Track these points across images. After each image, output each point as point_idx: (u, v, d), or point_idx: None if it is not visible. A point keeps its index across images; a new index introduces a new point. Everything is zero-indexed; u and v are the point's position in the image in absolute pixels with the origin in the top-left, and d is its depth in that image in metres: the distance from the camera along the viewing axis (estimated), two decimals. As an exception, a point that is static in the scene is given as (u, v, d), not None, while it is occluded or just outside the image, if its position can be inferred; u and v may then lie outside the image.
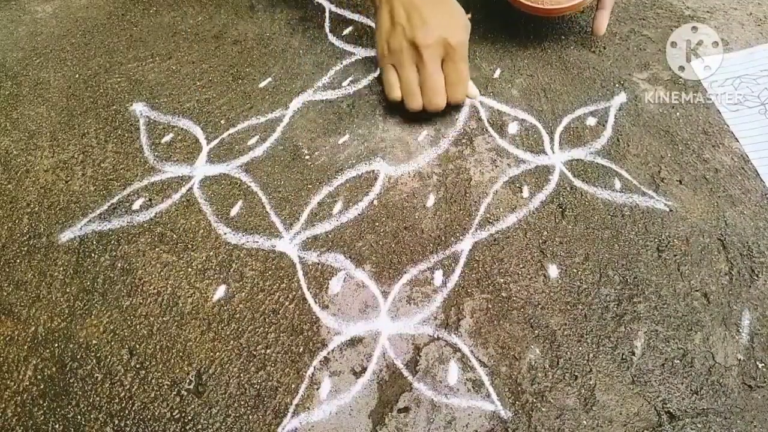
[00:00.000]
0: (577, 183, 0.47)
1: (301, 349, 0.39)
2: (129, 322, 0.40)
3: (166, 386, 0.37)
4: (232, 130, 0.51)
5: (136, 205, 0.46)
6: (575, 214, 0.45)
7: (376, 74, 0.55)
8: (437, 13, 0.46)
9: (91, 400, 0.37)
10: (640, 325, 0.39)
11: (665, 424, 0.35)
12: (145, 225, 0.45)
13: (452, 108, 0.51)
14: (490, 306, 0.41)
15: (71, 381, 0.38)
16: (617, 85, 0.54)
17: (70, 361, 0.38)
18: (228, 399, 0.37)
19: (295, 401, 0.37)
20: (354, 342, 0.39)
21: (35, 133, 0.51)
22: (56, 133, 0.51)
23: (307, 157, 0.49)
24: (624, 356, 0.38)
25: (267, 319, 0.40)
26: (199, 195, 0.47)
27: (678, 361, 0.38)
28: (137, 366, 0.38)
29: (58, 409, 0.36)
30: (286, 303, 0.41)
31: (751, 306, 0.40)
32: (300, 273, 0.42)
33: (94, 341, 0.39)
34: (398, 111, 0.52)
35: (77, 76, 0.56)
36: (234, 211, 0.46)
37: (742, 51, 0.55)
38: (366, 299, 0.41)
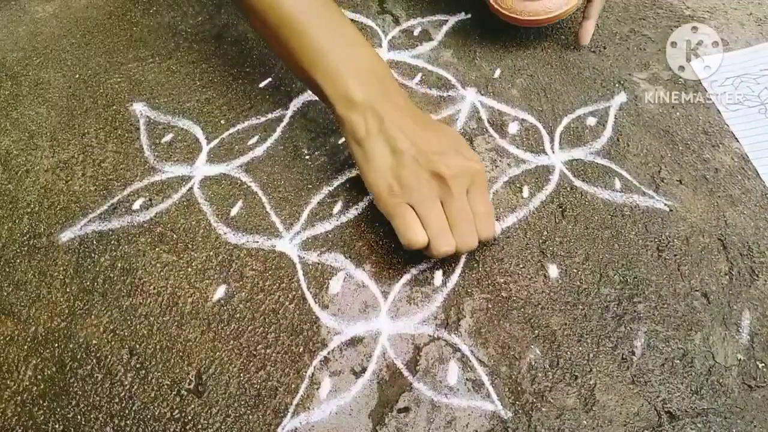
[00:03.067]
0: (577, 183, 0.47)
1: (301, 349, 0.39)
2: (129, 322, 0.40)
3: (166, 386, 0.37)
4: (232, 130, 0.51)
5: (136, 205, 0.46)
6: (575, 214, 0.45)
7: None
8: (444, 137, 0.39)
9: (91, 400, 0.37)
10: (640, 325, 0.39)
11: (665, 424, 0.35)
12: (145, 225, 0.45)
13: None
14: (490, 306, 0.41)
15: (71, 381, 0.38)
16: (617, 85, 0.54)
17: (70, 361, 0.38)
18: (228, 399, 0.37)
19: (295, 401, 0.37)
20: (354, 342, 0.39)
21: (35, 133, 0.51)
22: (56, 133, 0.51)
23: (307, 157, 0.49)
24: (624, 356, 0.38)
25: (267, 319, 0.40)
26: (199, 195, 0.47)
27: (678, 361, 0.38)
28: (137, 366, 0.38)
29: (58, 409, 0.37)
30: (286, 303, 0.41)
31: (751, 306, 0.40)
32: (300, 273, 0.42)
33: (94, 341, 0.39)
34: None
35: (77, 76, 0.56)
36: (234, 211, 0.46)
37: (742, 51, 0.55)
38: (366, 299, 0.41)
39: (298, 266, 0.43)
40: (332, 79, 0.39)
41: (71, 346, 0.39)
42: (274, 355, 0.39)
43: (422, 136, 0.38)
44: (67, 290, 0.42)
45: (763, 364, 0.38)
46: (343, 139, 0.50)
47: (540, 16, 0.52)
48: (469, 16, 0.60)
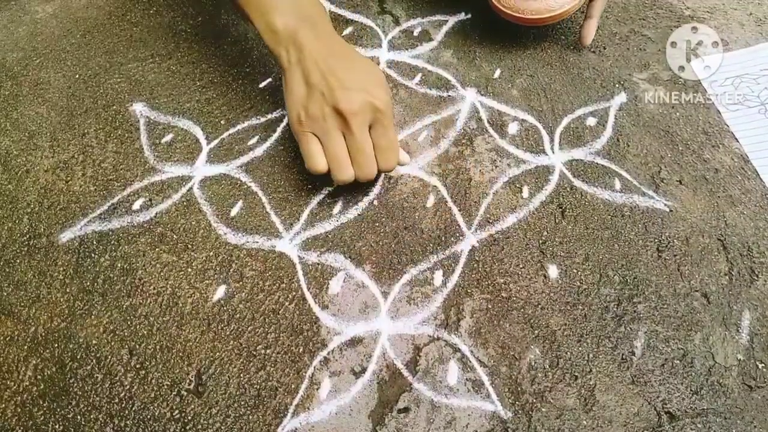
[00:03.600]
0: (577, 183, 0.47)
1: (301, 349, 0.39)
2: (129, 322, 0.40)
3: (166, 386, 0.37)
4: (232, 130, 0.51)
5: (136, 205, 0.46)
6: (575, 214, 0.45)
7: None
8: (356, 73, 0.41)
9: (91, 400, 0.37)
10: (640, 325, 0.39)
11: (665, 424, 0.35)
12: (145, 225, 0.45)
13: (383, 174, 0.47)
14: (490, 306, 0.41)
15: (71, 381, 0.38)
16: (617, 85, 0.54)
17: (70, 361, 0.38)
18: (228, 399, 0.37)
19: (295, 401, 0.37)
20: (354, 342, 0.39)
21: (35, 133, 0.51)
22: (56, 133, 0.51)
23: (307, 157, 0.49)
24: (624, 356, 0.38)
25: (267, 319, 0.40)
26: (199, 195, 0.47)
27: (678, 361, 0.38)
28: (137, 366, 0.38)
29: (58, 409, 0.37)
30: (286, 303, 0.41)
31: (751, 306, 0.40)
32: (300, 273, 0.42)
33: (94, 341, 0.39)
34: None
35: (77, 76, 0.56)
36: (234, 212, 0.46)
37: (742, 51, 0.55)
38: (366, 299, 0.41)
39: (298, 266, 0.43)
40: (261, 12, 0.43)
41: (71, 346, 0.39)
42: (274, 355, 0.39)
43: (335, 72, 0.40)
44: (67, 290, 0.42)
45: (762, 365, 0.38)
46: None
47: (542, 14, 0.52)
48: (469, 16, 0.60)
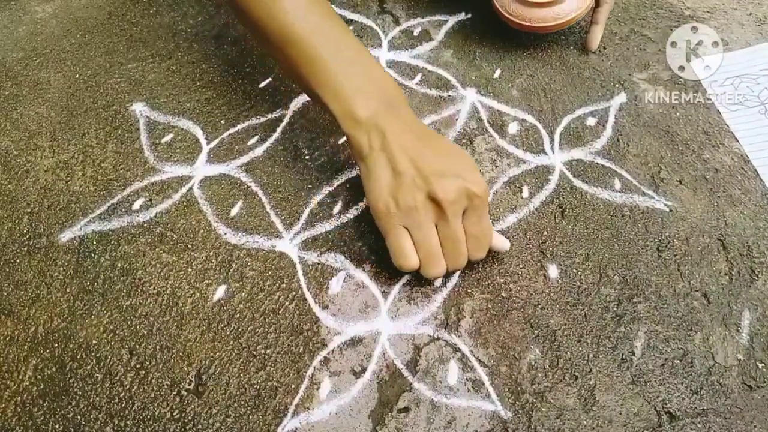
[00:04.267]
0: (577, 183, 0.47)
1: (301, 349, 0.39)
2: (129, 322, 0.40)
3: (166, 386, 0.37)
4: (232, 130, 0.51)
5: (136, 205, 0.46)
6: (575, 214, 0.45)
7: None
8: (447, 158, 0.38)
9: (91, 400, 0.37)
10: (640, 325, 0.39)
11: (665, 424, 0.35)
12: (145, 225, 0.45)
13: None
14: (490, 306, 0.41)
15: (71, 381, 0.38)
16: (617, 85, 0.54)
17: (70, 361, 0.38)
18: (228, 399, 0.37)
19: (295, 401, 0.37)
20: (354, 342, 0.39)
21: (35, 133, 0.51)
22: (56, 133, 0.51)
23: (307, 157, 0.49)
24: (624, 356, 0.38)
25: (267, 319, 0.40)
26: (199, 195, 0.47)
27: (678, 361, 0.38)
28: (137, 366, 0.38)
29: (58, 409, 0.37)
30: (286, 303, 0.41)
31: (751, 306, 0.40)
32: (300, 273, 0.42)
33: (94, 341, 0.39)
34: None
35: (77, 76, 0.56)
36: (234, 211, 0.46)
37: (742, 51, 0.55)
38: (366, 299, 0.41)
39: (298, 266, 0.43)
40: (337, 96, 0.39)
41: (71, 346, 0.39)
42: (274, 355, 0.39)
43: (424, 157, 0.37)
44: (67, 290, 0.42)
45: (762, 365, 0.38)
46: (344, 139, 0.50)
47: (549, 22, 0.52)
48: (469, 16, 0.60)
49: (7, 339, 0.39)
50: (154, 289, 0.42)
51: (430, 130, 0.41)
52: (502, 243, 0.41)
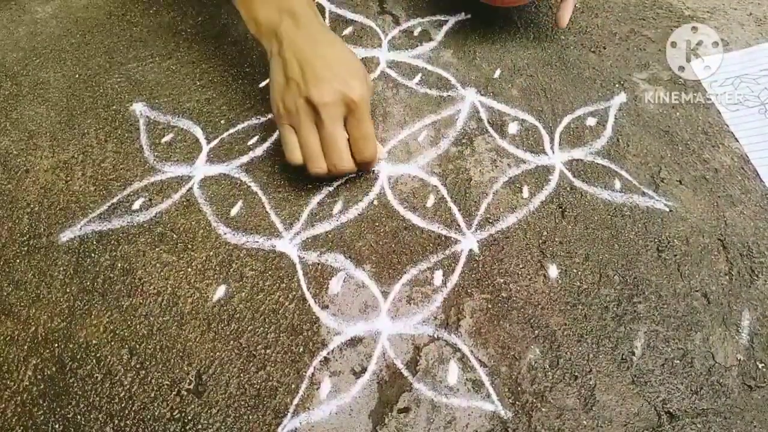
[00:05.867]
0: (577, 183, 0.47)
1: (301, 349, 0.39)
2: (129, 322, 0.40)
3: (166, 386, 0.37)
4: (232, 130, 0.51)
5: (136, 205, 0.46)
6: (575, 214, 0.45)
7: (375, 74, 0.55)
8: (334, 66, 0.42)
9: (91, 400, 0.37)
10: (640, 325, 0.39)
11: (665, 424, 0.35)
12: (145, 225, 0.45)
13: (361, 172, 0.47)
14: (490, 306, 0.41)
15: (71, 381, 0.38)
16: (617, 85, 0.54)
17: (70, 361, 0.38)
18: (228, 399, 0.37)
19: (295, 401, 0.37)
20: (354, 342, 0.39)
21: (35, 133, 0.51)
22: (56, 133, 0.51)
23: (307, 157, 0.49)
24: (624, 356, 0.38)
25: (267, 319, 0.40)
26: (199, 195, 0.47)
27: (678, 361, 0.38)
28: (137, 366, 0.38)
29: (58, 409, 0.36)
30: (286, 303, 0.41)
31: (751, 306, 0.40)
32: (300, 273, 0.42)
33: (94, 341, 0.39)
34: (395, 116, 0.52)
35: (77, 76, 0.56)
36: (234, 211, 0.46)
37: (742, 51, 0.55)
38: (366, 299, 0.41)
39: (298, 266, 0.43)
40: (245, 4, 0.44)
41: (71, 346, 0.39)
42: (274, 355, 0.39)
43: (311, 64, 0.41)
44: (67, 290, 0.42)
45: (763, 365, 0.38)
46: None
47: None
48: (469, 16, 0.60)
49: (7, 339, 0.39)
50: (154, 289, 0.42)
51: (330, 40, 0.44)
52: (380, 151, 0.47)
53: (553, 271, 0.42)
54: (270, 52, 0.44)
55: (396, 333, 0.39)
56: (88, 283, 0.42)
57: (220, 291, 0.41)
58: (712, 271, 0.42)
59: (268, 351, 0.39)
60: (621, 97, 0.53)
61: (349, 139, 0.43)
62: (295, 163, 0.43)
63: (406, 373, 0.38)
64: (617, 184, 0.47)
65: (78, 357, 0.39)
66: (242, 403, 0.37)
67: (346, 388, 0.37)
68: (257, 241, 0.44)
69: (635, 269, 0.42)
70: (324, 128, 0.41)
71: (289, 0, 0.44)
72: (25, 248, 0.44)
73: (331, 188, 0.47)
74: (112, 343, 0.39)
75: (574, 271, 0.42)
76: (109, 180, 0.48)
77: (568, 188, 0.47)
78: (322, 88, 0.40)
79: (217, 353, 0.39)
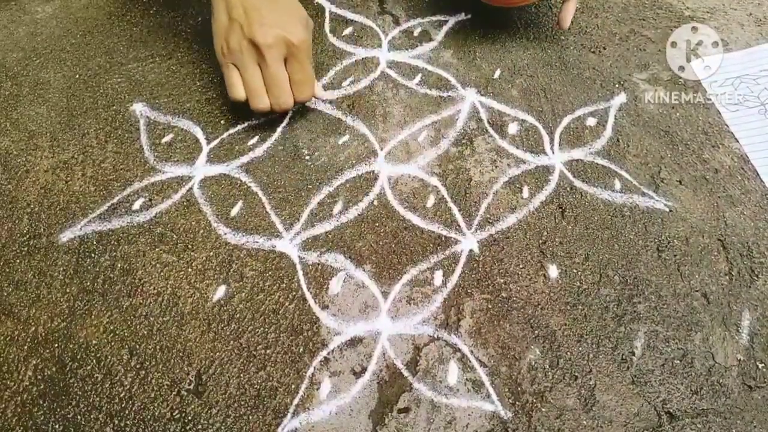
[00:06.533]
0: (577, 183, 0.47)
1: (301, 349, 0.39)
2: (129, 322, 0.40)
3: (166, 386, 0.37)
4: (232, 130, 0.51)
5: (136, 205, 0.46)
6: (575, 214, 0.45)
7: (375, 74, 0.55)
8: (276, 10, 0.45)
9: (91, 400, 0.37)
10: (640, 325, 0.39)
11: (665, 424, 0.35)
12: (145, 225, 0.45)
13: (302, 106, 0.51)
14: (490, 306, 0.41)
15: (71, 381, 0.38)
16: (617, 86, 0.54)
17: (70, 361, 0.38)
18: (228, 399, 0.37)
19: (295, 401, 0.37)
20: (354, 342, 0.39)
21: (35, 133, 0.51)
22: (56, 133, 0.51)
23: (307, 157, 0.49)
24: (624, 356, 0.38)
25: (267, 319, 0.40)
26: (199, 195, 0.47)
27: (678, 361, 0.38)
28: (137, 366, 0.38)
29: (58, 409, 0.36)
30: (286, 303, 0.41)
31: (751, 306, 0.40)
32: (300, 273, 0.42)
33: (94, 341, 0.39)
34: (396, 109, 0.52)
35: (77, 76, 0.56)
36: (234, 212, 0.46)
37: (741, 51, 0.55)
38: (366, 299, 0.41)
39: (298, 266, 0.43)
40: None
41: (71, 346, 0.39)
42: (274, 355, 0.39)
43: (256, 8, 0.44)
44: (67, 290, 0.42)
45: (762, 365, 0.38)
46: (344, 139, 0.50)
47: None
48: (469, 16, 0.60)
49: (7, 339, 0.39)
50: (154, 289, 0.42)
51: None
52: (319, 90, 0.50)
53: (553, 271, 0.42)
54: None
55: (396, 333, 0.39)
56: (88, 283, 0.42)
57: (220, 291, 0.41)
58: (712, 271, 0.42)
59: (268, 351, 0.39)
60: (621, 98, 0.53)
61: (290, 79, 0.46)
62: (237, 99, 0.46)
63: (406, 373, 0.38)
64: (617, 185, 0.47)
65: (78, 357, 0.39)
66: (242, 403, 0.37)
67: (346, 388, 0.37)
68: (257, 242, 0.44)
69: (635, 269, 0.42)
70: (267, 68, 0.44)
71: None
72: (25, 248, 0.44)
73: (331, 188, 0.47)
74: (112, 343, 0.39)
75: (574, 271, 0.42)
76: (109, 180, 0.48)
77: (568, 188, 0.47)
78: (265, 31, 0.43)
79: (217, 353, 0.39)
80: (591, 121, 0.51)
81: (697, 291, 0.41)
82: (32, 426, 0.36)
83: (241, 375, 0.38)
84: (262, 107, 0.46)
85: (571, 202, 0.46)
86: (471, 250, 0.43)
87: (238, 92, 0.46)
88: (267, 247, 0.44)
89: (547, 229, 0.44)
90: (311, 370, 0.38)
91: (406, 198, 0.46)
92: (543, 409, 0.36)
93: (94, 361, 0.38)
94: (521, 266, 0.42)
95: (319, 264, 0.43)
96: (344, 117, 0.52)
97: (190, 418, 0.36)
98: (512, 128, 0.51)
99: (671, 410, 0.36)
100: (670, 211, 0.45)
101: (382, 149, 0.50)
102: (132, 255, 0.43)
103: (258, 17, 0.44)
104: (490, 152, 0.49)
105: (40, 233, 0.45)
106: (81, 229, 0.45)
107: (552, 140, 0.50)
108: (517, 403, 0.36)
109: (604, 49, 0.57)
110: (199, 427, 0.36)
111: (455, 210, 0.46)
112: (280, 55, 0.45)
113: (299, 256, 0.43)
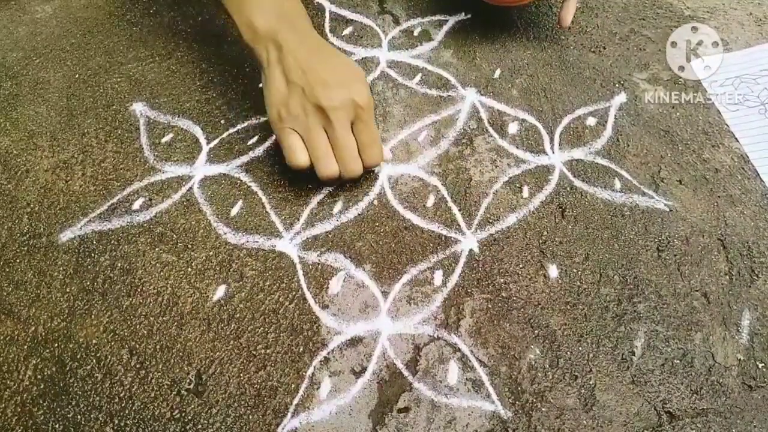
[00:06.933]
0: (577, 183, 0.47)
1: (301, 349, 0.39)
2: (129, 322, 0.40)
3: (166, 386, 0.37)
4: (232, 130, 0.51)
5: (136, 205, 0.46)
6: (575, 214, 0.45)
7: (375, 74, 0.55)
8: (336, 71, 0.43)
9: (91, 400, 0.37)
10: (640, 325, 0.39)
11: (665, 424, 0.35)
12: (145, 225, 0.45)
13: (369, 172, 0.47)
14: (490, 306, 0.41)
15: (71, 381, 0.38)
16: (617, 85, 0.54)
17: (70, 361, 0.38)
18: (228, 399, 0.37)
19: (295, 401, 0.37)
20: (354, 342, 0.39)
21: (35, 133, 0.51)
22: (56, 133, 0.51)
23: (307, 157, 0.49)
24: (624, 356, 0.38)
25: (267, 319, 0.40)
26: (199, 195, 0.47)
27: (678, 361, 0.38)
28: (137, 366, 0.38)
29: (58, 409, 0.37)
30: (286, 303, 0.41)
31: (751, 306, 0.40)
32: (300, 273, 0.42)
33: (94, 341, 0.39)
34: (396, 119, 0.52)
35: (77, 76, 0.56)
36: (234, 211, 0.46)
37: (742, 51, 0.55)
38: (366, 299, 0.41)
39: (298, 266, 0.43)
40: (241, 10, 0.44)
41: (71, 346, 0.39)
42: (274, 355, 0.39)
43: (315, 69, 0.42)
44: (67, 290, 0.42)
45: (763, 364, 0.38)
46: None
47: None
48: (469, 16, 0.60)
49: (7, 339, 0.39)
50: (154, 289, 0.42)
51: (325, 44, 0.46)
52: (387, 153, 0.47)
53: (553, 271, 0.42)
54: (266, 60, 0.43)
55: (396, 333, 0.39)
56: (88, 283, 0.42)
57: (220, 291, 0.41)
58: (712, 271, 0.42)
59: (268, 351, 0.39)
60: (621, 97, 0.53)
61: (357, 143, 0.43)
62: (300, 167, 0.42)
63: (406, 373, 0.38)
64: (617, 184, 0.47)
65: (78, 357, 0.39)
66: (242, 403, 0.37)
67: (346, 387, 0.37)
68: (257, 241, 0.44)
69: (635, 269, 0.42)
70: (334, 132, 0.41)
71: (288, 7, 0.45)
72: (25, 248, 0.44)
73: (331, 188, 0.47)
74: (112, 343, 0.39)
75: (574, 271, 0.42)
76: (109, 180, 0.48)
77: (568, 188, 0.47)
78: (330, 93, 0.41)
79: (217, 353, 0.39)
80: (591, 121, 0.51)
81: (697, 291, 0.41)
82: (32, 426, 0.36)
83: (241, 375, 0.38)
84: (330, 174, 0.43)
85: (571, 202, 0.46)
86: (471, 250, 0.43)
87: (302, 158, 0.42)
88: (267, 246, 0.44)
89: (547, 228, 0.44)
90: (311, 369, 0.38)
91: (406, 198, 0.46)
92: (543, 409, 0.36)
93: (94, 360, 0.38)
94: (521, 266, 0.42)
95: (319, 264, 0.43)
96: (344, 117, 0.52)
97: (190, 417, 0.36)
98: (512, 128, 0.51)
99: (671, 410, 0.36)
100: (670, 210, 0.45)
101: (382, 149, 0.50)
102: (132, 255, 0.43)
103: (319, 79, 0.41)
104: (490, 152, 0.49)
105: (40, 233, 0.45)
106: (81, 228, 0.45)
107: (552, 140, 0.50)
108: (517, 402, 0.36)
109: (604, 48, 0.57)
110: (199, 426, 0.36)
111: (455, 210, 0.46)
112: (347, 117, 0.42)
113: (299, 256, 0.43)
